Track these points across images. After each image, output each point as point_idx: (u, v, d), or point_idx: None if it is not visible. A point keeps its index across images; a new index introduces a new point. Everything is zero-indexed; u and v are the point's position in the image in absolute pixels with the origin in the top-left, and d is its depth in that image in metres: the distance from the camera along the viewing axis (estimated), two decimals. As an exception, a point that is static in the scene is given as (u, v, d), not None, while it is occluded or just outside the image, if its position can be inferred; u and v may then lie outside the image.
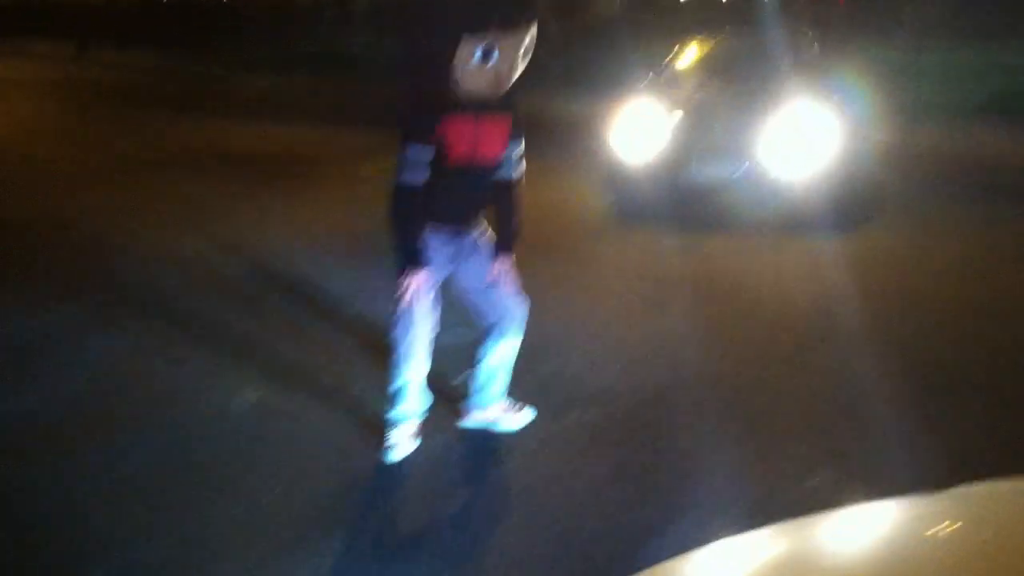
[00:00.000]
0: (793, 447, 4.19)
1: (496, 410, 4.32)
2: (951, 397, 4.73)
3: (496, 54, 3.50)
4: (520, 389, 4.53)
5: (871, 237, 7.91)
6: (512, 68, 3.58)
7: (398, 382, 4.01)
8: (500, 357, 4.14)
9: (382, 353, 5.17)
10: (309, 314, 5.94)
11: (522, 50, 3.58)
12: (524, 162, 3.95)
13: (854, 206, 8.40)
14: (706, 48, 9.94)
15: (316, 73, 24.03)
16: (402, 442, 4.09)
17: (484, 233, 4.02)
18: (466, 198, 3.85)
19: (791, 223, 7.97)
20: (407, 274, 3.73)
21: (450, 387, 4.70)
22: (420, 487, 3.90)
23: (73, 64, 26.61)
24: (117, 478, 3.92)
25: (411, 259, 3.73)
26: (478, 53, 3.48)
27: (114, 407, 4.59)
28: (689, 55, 9.78)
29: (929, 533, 1.87)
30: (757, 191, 7.99)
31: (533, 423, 4.39)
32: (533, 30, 3.57)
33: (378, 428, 4.22)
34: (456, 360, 4.76)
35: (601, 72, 18.13)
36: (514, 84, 3.68)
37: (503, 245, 3.98)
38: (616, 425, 4.41)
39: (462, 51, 3.48)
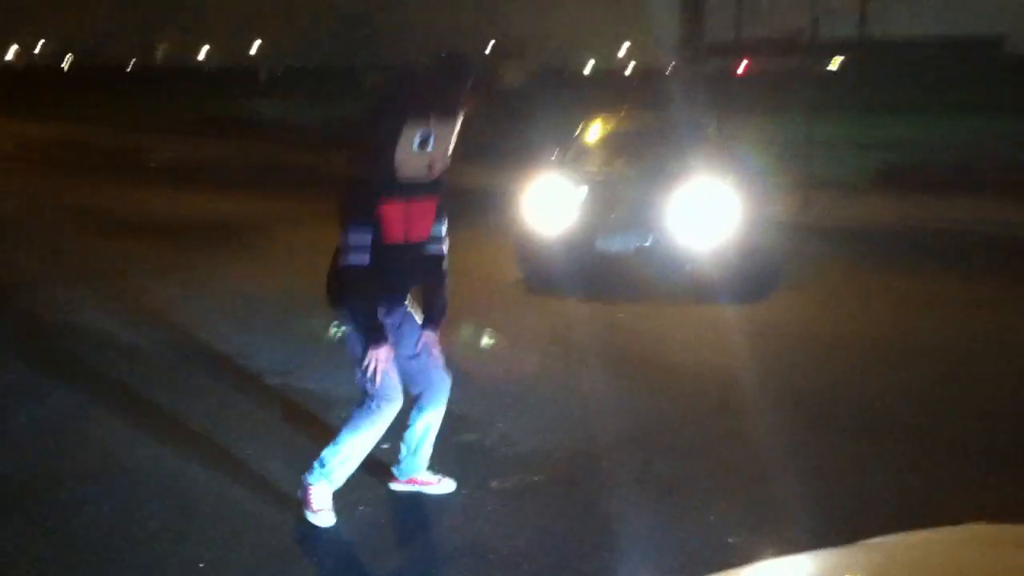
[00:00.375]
0: (711, 507, 4.35)
1: (420, 479, 4.42)
2: (859, 450, 4.98)
3: (432, 140, 3.73)
4: (442, 458, 4.61)
5: (773, 304, 8.25)
6: (444, 153, 3.82)
7: (342, 450, 4.05)
8: (424, 427, 4.25)
9: (306, 423, 5.25)
10: (232, 383, 5.94)
11: (453, 136, 3.81)
12: (448, 240, 4.13)
13: (756, 275, 8.74)
14: (609, 126, 10.29)
15: (226, 138, 24.00)
16: (328, 507, 4.11)
17: (411, 305, 4.18)
18: (401, 276, 4.03)
19: (697, 292, 8.25)
20: (372, 351, 3.84)
21: (377, 453, 4.78)
22: (350, 553, 3.95)
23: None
24: (45, 551, 3.89)
25: (374, 336, 3.86)
26: (417, 140, 3.70)
27: (37, 477, 4.56)
28: (594, 132, 10.11)
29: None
30: (663, 262, 8.27)
31: (457, 490, 4.46)
32: (461, 118, 3.81)
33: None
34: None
35: (507, 145, 18.49)
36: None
37: (430, 320, 4.15)
38: (538, 492, 4.51)
39: (404, 138, 3.70)
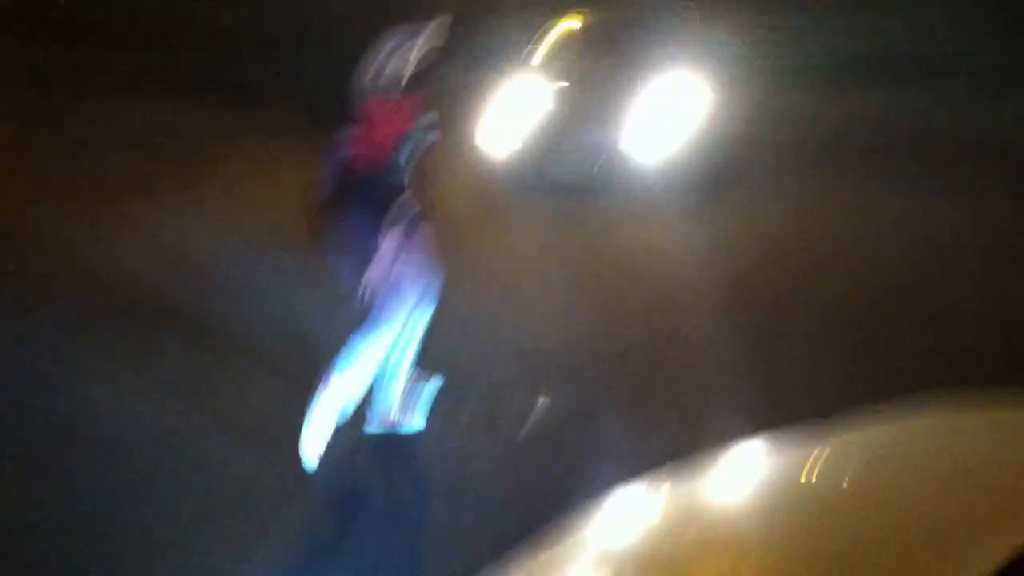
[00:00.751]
0: (694, 400, 4.59)
1: (413, 377, 4.54)
2: (826, 350, 5.18)
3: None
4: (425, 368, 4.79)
5: (737, 208, 8.15)
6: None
7: (353, 354, 4.14)
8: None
9: (295, 359, 5.22)
10: (212, 316, 5.98)
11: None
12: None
13: (720, 177, 8.63)
14: (574, 27, 9.99)
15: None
16: (332, 405, 4.20)
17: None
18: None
19: (661, 201, 8.10)
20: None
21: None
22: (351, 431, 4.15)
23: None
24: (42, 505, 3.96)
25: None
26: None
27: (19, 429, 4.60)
28: (557, 34, 9.83)
29: (806, 461, 2.12)
30: (627, 170, 8.20)
31: (443, 399, 4.63)
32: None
33: (291, 435, 4.24)
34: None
35: (472, 46, 18.12)
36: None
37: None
38: (521, 398, 4.70)
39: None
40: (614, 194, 8.24)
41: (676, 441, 4.17)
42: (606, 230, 7.67)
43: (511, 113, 8.48)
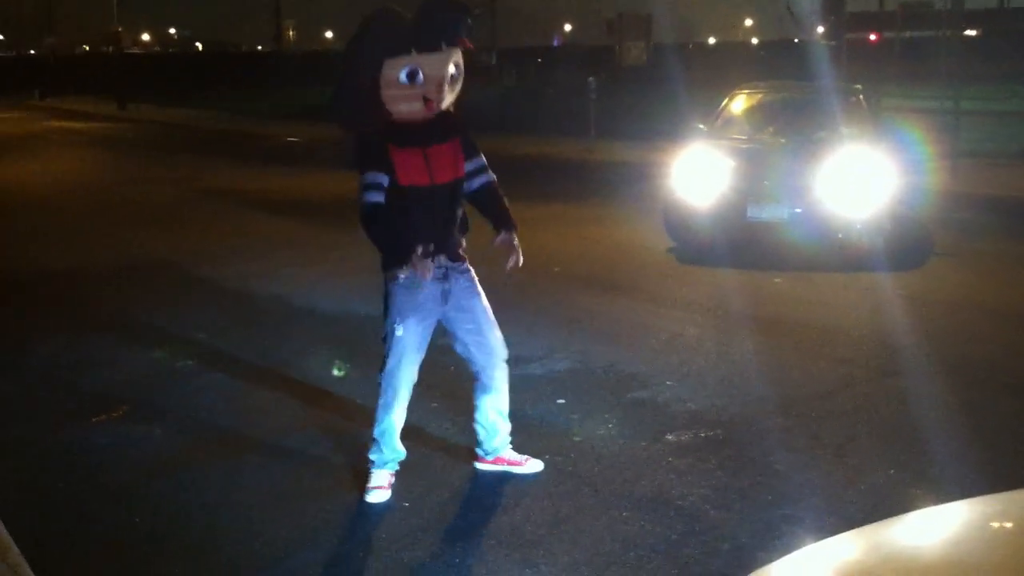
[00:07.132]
0: (887, 463, 4.43)
1: (506, 458, 4.36)
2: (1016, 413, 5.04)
3: (420, 76, 3.78)
4: (615, 413, 4.87)
5: (927, 272, 8.18)
6: (440, 90, 3.84)
7: (380, 426, 4.12)
8: (493, 406, 4.25)
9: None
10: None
11: (448, 72, 3.85)
12: (491, 172, 4.15)
13: (909, 243, 8.64)
14: (756, 99, 10.22)
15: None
16: (383, 486, 4.14)
17: (470, 273, 4.15)
18: (434, 218, 3.98)
19: (849, 260, 8.21)
20: (412, 268, 3.82)
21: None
22: (548, 500, 4.13)
23: (116, 121, 27.25)
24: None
25: (401, 255, 3.84)
26: (403, 75, 3.76)
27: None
28: (740, 103, 10.06)
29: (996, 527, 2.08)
30: (815, 229, 8.24)
31: (635, 442, 4.64)
32: (457, 54, 3.87)
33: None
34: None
35: (637, 120, 18.47)
36: (456, 107, 4.03)
37: (503, 224, 4.13)
38: (714, 446, 4.64)
39: (387, 75, 3.76)
40: (803, 252, 8.28)
41: (890, 490, 4.14)
42: (797, 287, 7.72)
43: (698, 177, 8.63)
